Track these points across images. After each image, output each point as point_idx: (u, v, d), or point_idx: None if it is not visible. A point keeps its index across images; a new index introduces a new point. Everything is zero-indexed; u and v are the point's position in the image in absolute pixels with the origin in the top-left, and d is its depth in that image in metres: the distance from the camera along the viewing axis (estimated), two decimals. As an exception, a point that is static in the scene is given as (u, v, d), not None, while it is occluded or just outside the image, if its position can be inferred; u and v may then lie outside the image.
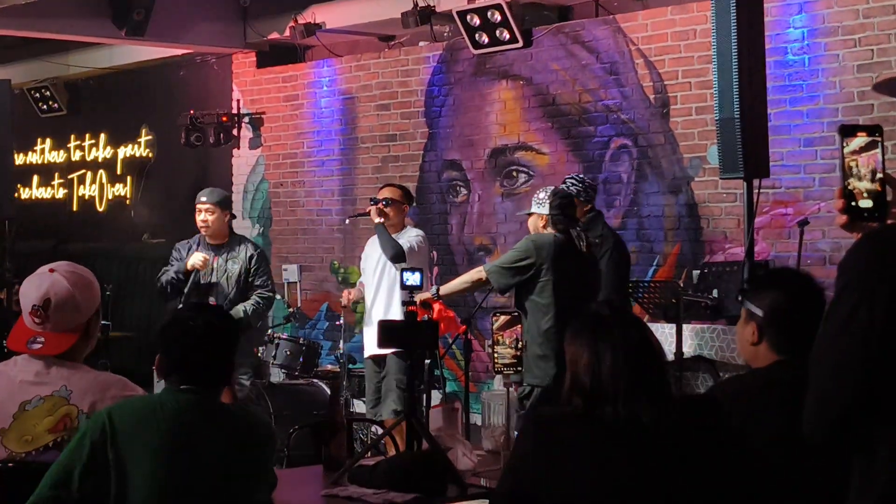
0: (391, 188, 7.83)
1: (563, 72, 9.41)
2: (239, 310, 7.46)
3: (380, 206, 7.61)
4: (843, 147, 2.45)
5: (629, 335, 3.08)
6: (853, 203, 2.42)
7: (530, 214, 6.78)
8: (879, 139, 2.44)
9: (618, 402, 2.98)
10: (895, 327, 2.33)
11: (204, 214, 7.64)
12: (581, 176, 7.60)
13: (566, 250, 6.53)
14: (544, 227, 6.65)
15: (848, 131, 2.45)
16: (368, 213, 7.71)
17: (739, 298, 3.54)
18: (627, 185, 9.01)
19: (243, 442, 3.41)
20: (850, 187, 2.43)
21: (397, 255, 7.39)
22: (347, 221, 7.79)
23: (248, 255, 7.65)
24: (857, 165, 2.43)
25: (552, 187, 6.86)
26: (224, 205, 7.74)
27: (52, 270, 3.75)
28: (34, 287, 3.72)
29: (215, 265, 7.61)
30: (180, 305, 7.42)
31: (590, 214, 7.35)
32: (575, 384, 3.08)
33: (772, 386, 3.37)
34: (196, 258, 7.49)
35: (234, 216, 7.96)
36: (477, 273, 6.78)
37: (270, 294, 7.73)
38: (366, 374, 7.95)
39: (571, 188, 7.27)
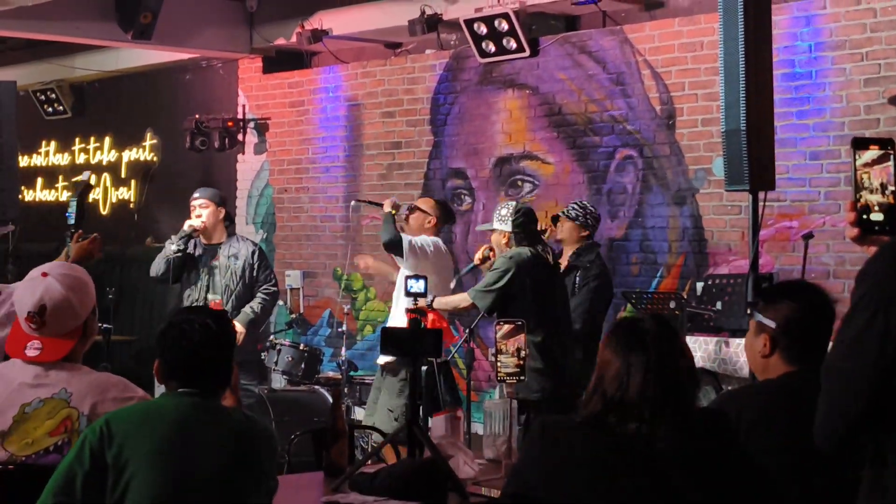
0: (426, 199, 7.90)
1: (569, 81, 9.40)
2: (247, 311, 7.63)
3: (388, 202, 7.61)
4: (855, 160, 2.43)
5: (665, 356, 2.97)
6: (865, 216, 2.41)
7: (492, 231, 6.81)
8: (892, 152, 2.42)
9: (641, 424, 2.90)
10: None
11: (198, 210, 7.75)
12: (585, 202, 7.73)
13: (539, 264, 6.57)
14: (507, 244, 6.69)
15: (860, 144, 2.44)
16: (381, 204, 7.68)
17: (749, 311, 3.53)
18: (632, 196, 9.00)
19: (243, 446, 3.39)
20: (861, 200, 2.41)
21: (392, 243, 7.22)
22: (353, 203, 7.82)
23: (251, 251, 7.81)
24: (869, 178, 2.42)
25: (513, 203, 6.94)
26: (217, 201, 7.84)
27: (45, 275, 3.69)
28: (28, 293, 3.67)
29: (217, 263, 7.69)
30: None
31: (587, 242, 7.51)
32: (599, 388, 2.99)
33: (783, 395, 3.37)
34: (191, 223, 7.68)
35: (230, 215, 8.03)
36: (463, 300, 6.88)
37: (275, 289, 7.93)
38: (375, 382, 7.87)
39: (571, 212, 7.49)
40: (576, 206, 7.55)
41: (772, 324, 3.42)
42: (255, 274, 7.77)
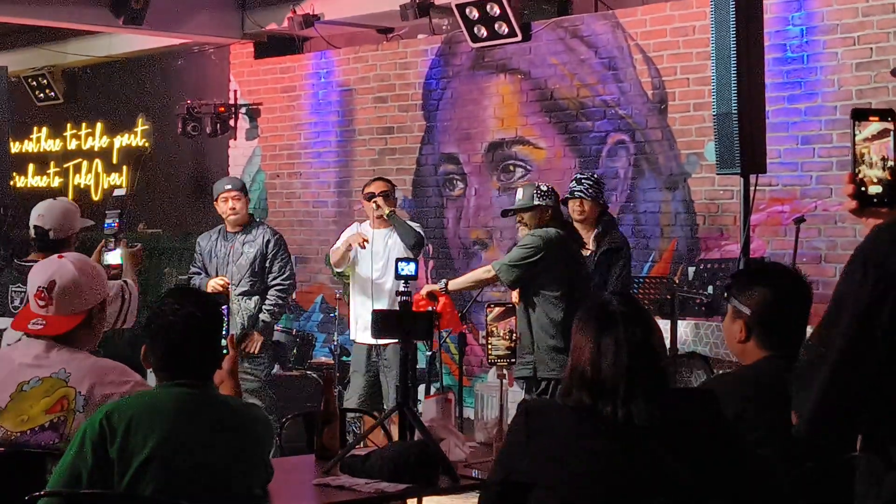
0: (382, 182, 7.76)
1: (561, 66, 9.40)
2: (264, 318, 7.57)
3: (377, 200, 7.52)
4: (854, 133, 2.41)
5: (634, 332, 2.98)
6: (863, 189, 2.40)
7: (530, 208, 6.73)
8: (892, 125, 2.41)
9: (616, 401, 2.91)
10: None
11: (232, 202, 7.62)
12: (592, 175, 7.59)
13: (568, 245, 6.61)
14: (547, 221, 6.66)
15: (860, 115, 2.42)
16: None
17: (726, 296, 3.53)
18: (624, 181, 9.01)
19: (242, 434, 3.39)
20: (860, 175, 2.40)
21: (419, 242, 7.35)
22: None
23: (266, 239, 7.65)
24: (868, 153, 2.40)
25: (546, 184, 6.91)
26: (245, 191, 7.79)
27: (60, 257, 3.87)
28: (41, 270, 3.83)
29: (231, 250, 7.62)
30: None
31: (605, 218, 7.36)
32: (575, 374, 3.00)
33: (760, 384, 3.37)
34: (215, 283, 7.50)
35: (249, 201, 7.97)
36: (486, 272, 6.83)
37: (289, 282, 7.76)
38: (353, 360, 7.84)
39: (589, 191, 7.29)
40: (591, 184, 7.36)
41: (746, 310, 3.42)
42: (267, 264, 7.61)
